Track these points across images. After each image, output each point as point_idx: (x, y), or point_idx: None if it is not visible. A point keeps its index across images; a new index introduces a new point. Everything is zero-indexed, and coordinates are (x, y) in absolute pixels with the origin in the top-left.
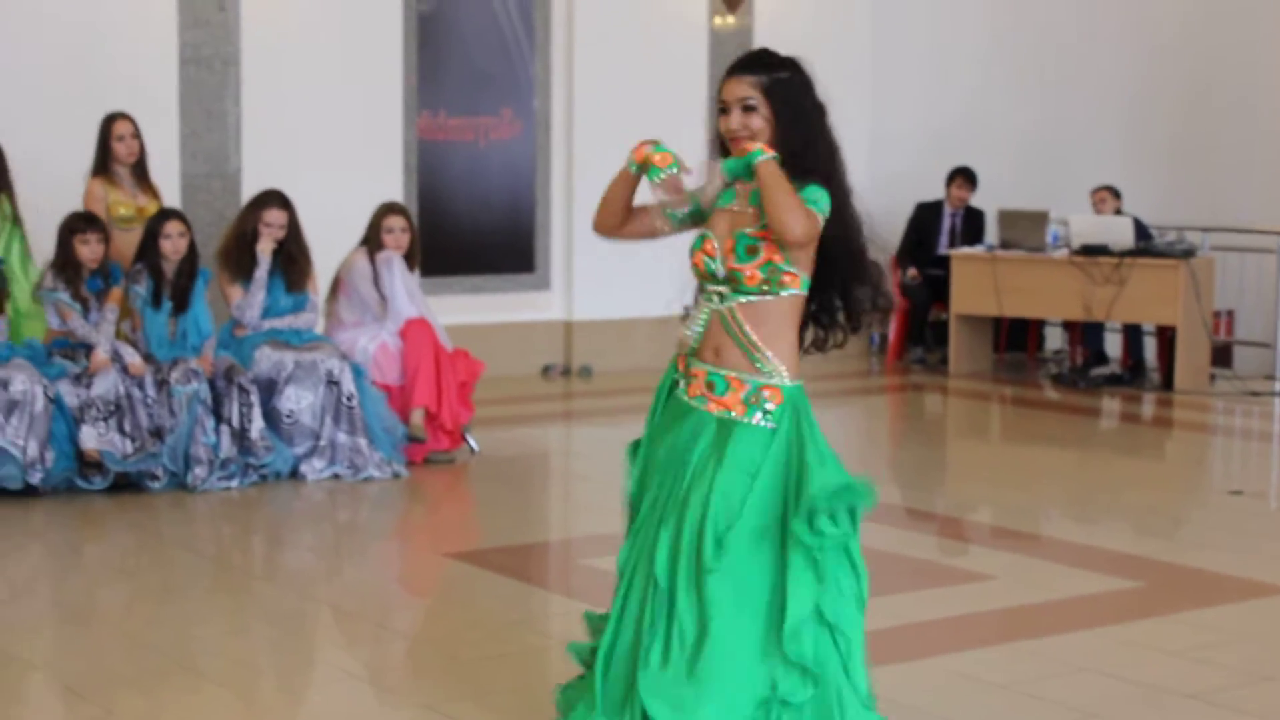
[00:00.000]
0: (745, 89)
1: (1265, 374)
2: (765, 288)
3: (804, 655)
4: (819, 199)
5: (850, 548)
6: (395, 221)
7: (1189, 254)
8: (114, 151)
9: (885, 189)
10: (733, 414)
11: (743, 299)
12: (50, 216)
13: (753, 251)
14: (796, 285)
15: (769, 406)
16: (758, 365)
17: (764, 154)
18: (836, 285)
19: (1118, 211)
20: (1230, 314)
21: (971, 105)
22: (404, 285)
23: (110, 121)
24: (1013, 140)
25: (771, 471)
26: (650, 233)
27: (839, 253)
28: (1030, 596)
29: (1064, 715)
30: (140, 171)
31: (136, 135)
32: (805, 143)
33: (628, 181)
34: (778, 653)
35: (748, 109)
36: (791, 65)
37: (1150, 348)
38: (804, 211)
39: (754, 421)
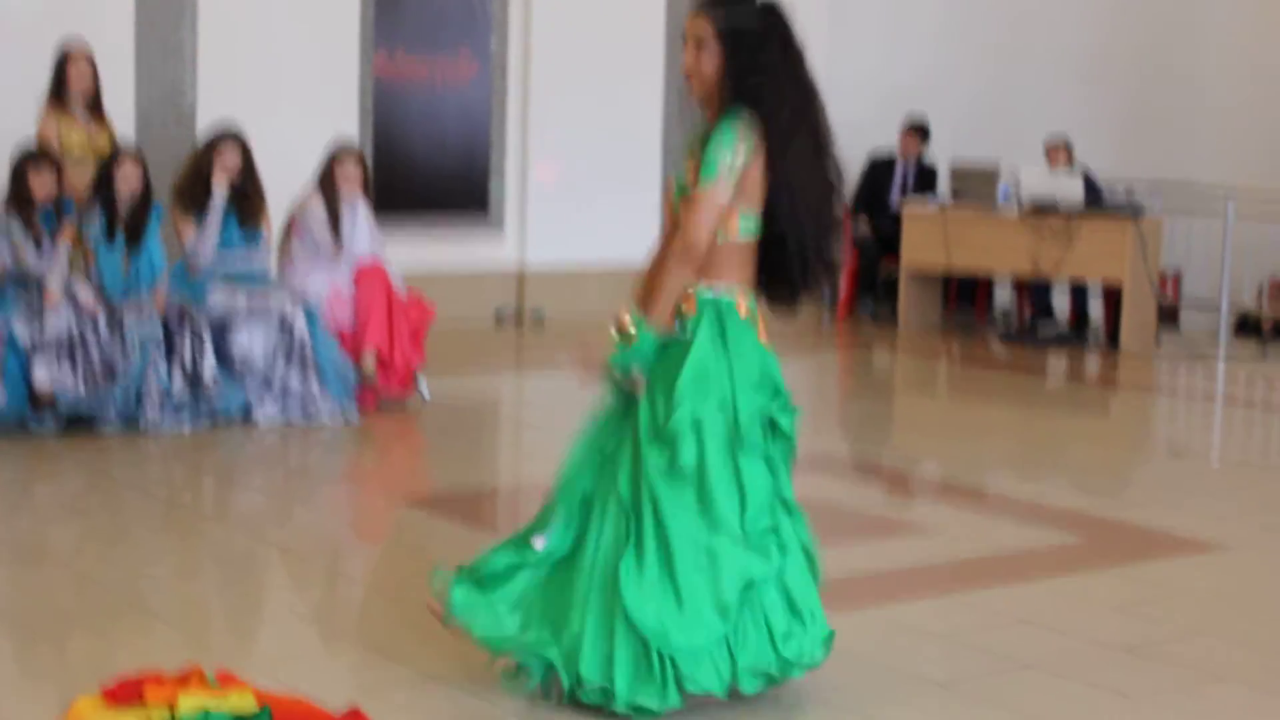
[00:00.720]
0: (701, 27)
1: (1210, 334)
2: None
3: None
4: (710, 162)
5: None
6: (348, 162)
7: (1138, 213)
8: (68, 82)
9: (840, 139)
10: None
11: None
12: (2, 149)
13: (686, 200)
14: (735, 230)
15: (684, 311)
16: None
17: (636, 340)
18: (782, 236)
19: (1069, 164)
20: (1177, 276)
21: (929, 56)
22: (364, 228)
23: (65, 53)
24: (968, 93)
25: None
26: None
27: (782, 199)
28: (973, 550)
29: (1004, 665)
30: (94, 104)
31: (91, 64)
32: (752, 90)
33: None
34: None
35: (700, 47)
36: (757, 10)
37: (1097, 308)
38: (681, 252)
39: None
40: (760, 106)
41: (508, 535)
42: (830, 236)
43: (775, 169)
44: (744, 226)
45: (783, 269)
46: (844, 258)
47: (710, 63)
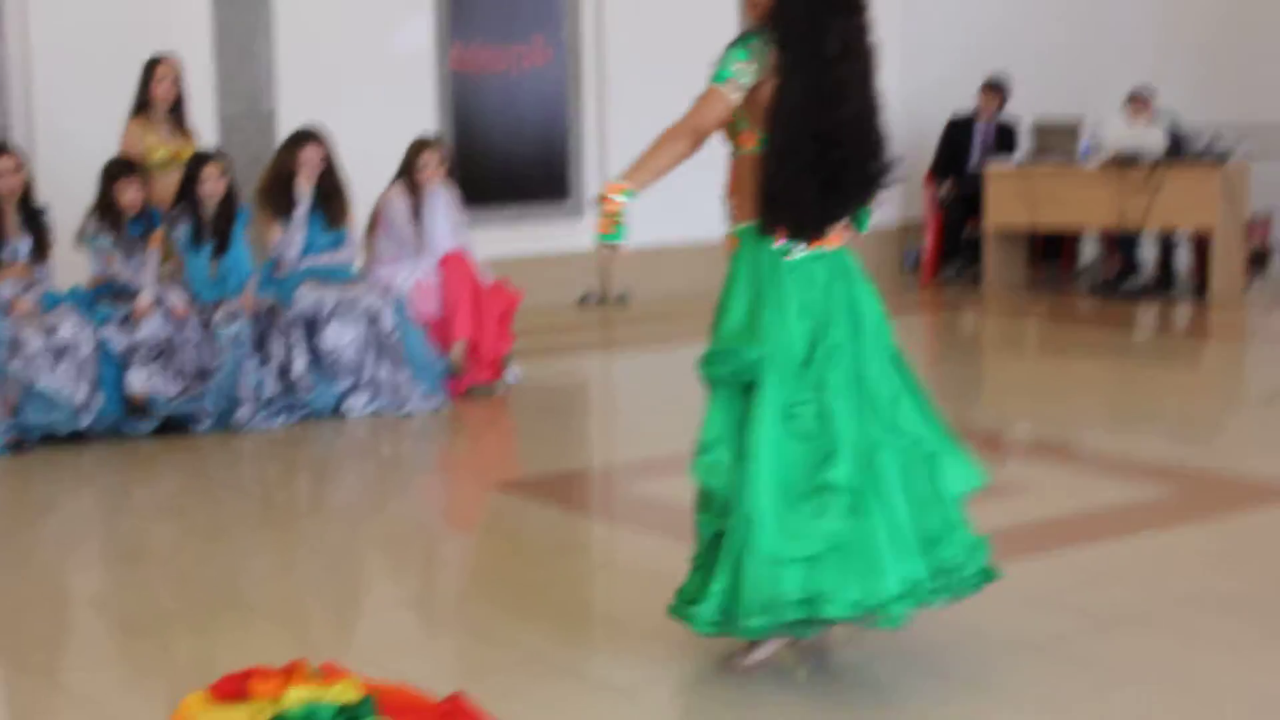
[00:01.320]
0: None
1: None
2: (732, 147)
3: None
4: (723, 67)
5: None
6: (430, 156)
7: (1223, 159)
8: (153, 93)
9: (918, 99)
10: None
11: (731, 152)
12: (89, 162)
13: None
14: (751, 144)
15: (729, 251)
16: (728, 214)
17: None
18: (787, 155)
19: (1150, 115)
20: (1268, 220)
21: (1003, 13)
22: (446, 219)
23: (153, 64)
24: (1046, 45)
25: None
26: (729, 115)
27: (790, 115)
28: (1066, 508)
29: (1099, 624)
30: (177, 115)
31: (177, 79)
32: (779, 13)
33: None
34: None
35: None
36: None
37: (1185, 256)
38: (678, 130)
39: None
40: (791, 30)
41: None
42: (874, 154)
43: (793, 80)
44: (761, 139)
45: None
46: (926, 209)
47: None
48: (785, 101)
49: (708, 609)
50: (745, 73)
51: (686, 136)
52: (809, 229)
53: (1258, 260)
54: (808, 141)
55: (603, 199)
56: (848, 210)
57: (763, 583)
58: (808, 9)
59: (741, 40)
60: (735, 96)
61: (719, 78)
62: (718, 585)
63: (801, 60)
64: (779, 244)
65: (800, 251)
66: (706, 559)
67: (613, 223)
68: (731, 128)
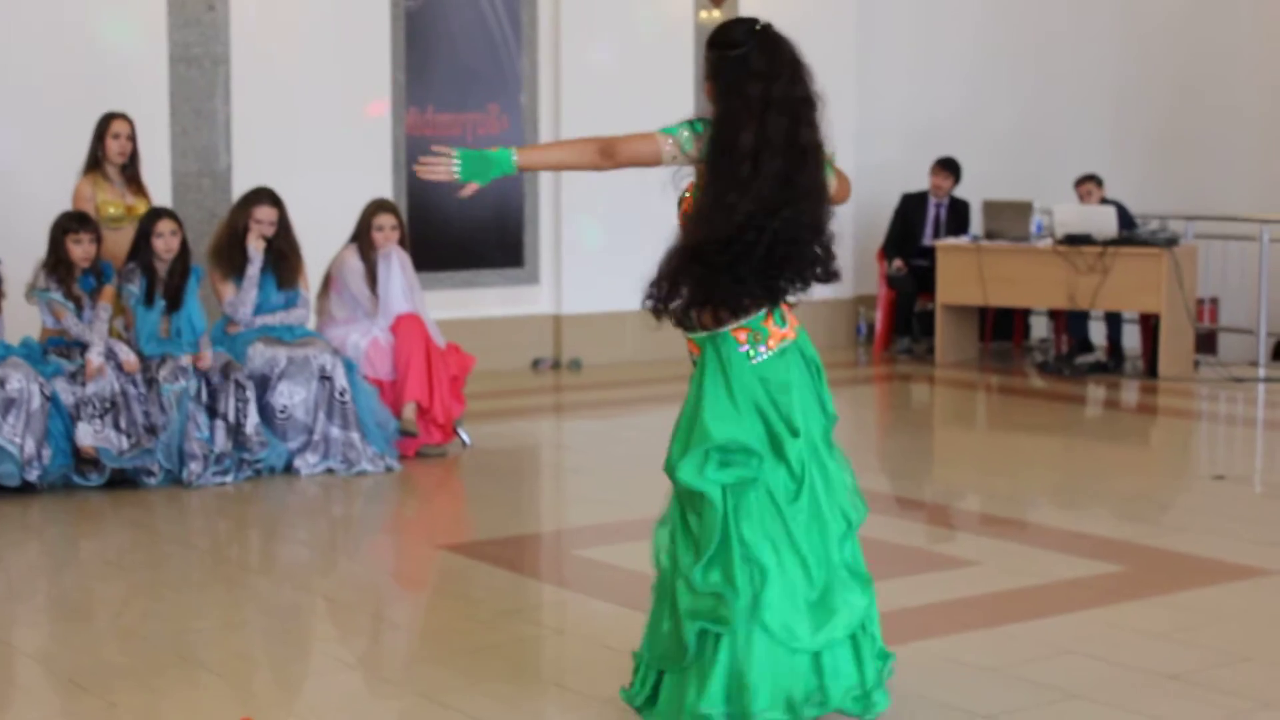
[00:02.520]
0: (706, 59)
1: (1249, 360)
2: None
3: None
4: (675, 126)
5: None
6: (385, 219)
7: (1172, 242)
8: (106, 150)
9: (871, 180)
10: None
11: None
12: (41, 215)
13: (680, 205)
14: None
15: (691, 355)
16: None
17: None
18: (695, 249)
19: (1102, 201)
20: (1214, 301)
21: (957, 97)
22: (401, 280)
23: (107, 120)
24: (998, 132)
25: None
26: (652, 161)
27: (701, 211)
28: (1016, 581)
29: (1049, 696)
30: (131, 172)
31: (131, 136)
32: (718, 109)
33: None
34: None
35: (706, 77)
36: (738, 41)
37: (1134, 335)
38: (594, 142)
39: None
40: (721, 128)
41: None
42: (795, 230)
43: (708, 179)
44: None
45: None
46: (878, 292)
47: (708, 87)
48: (702, 193)
49: None
50: (689, 142)
51: (598, 149)
52: (685, 319)
53: (1205, 341)
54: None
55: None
56: (749, 302)
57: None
58: (727, 105)
59: (699, 119)
60: (667, 150)
61: (666, 129)
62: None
63: (717, 164)
64: (745, 349)
65: (762, 353)
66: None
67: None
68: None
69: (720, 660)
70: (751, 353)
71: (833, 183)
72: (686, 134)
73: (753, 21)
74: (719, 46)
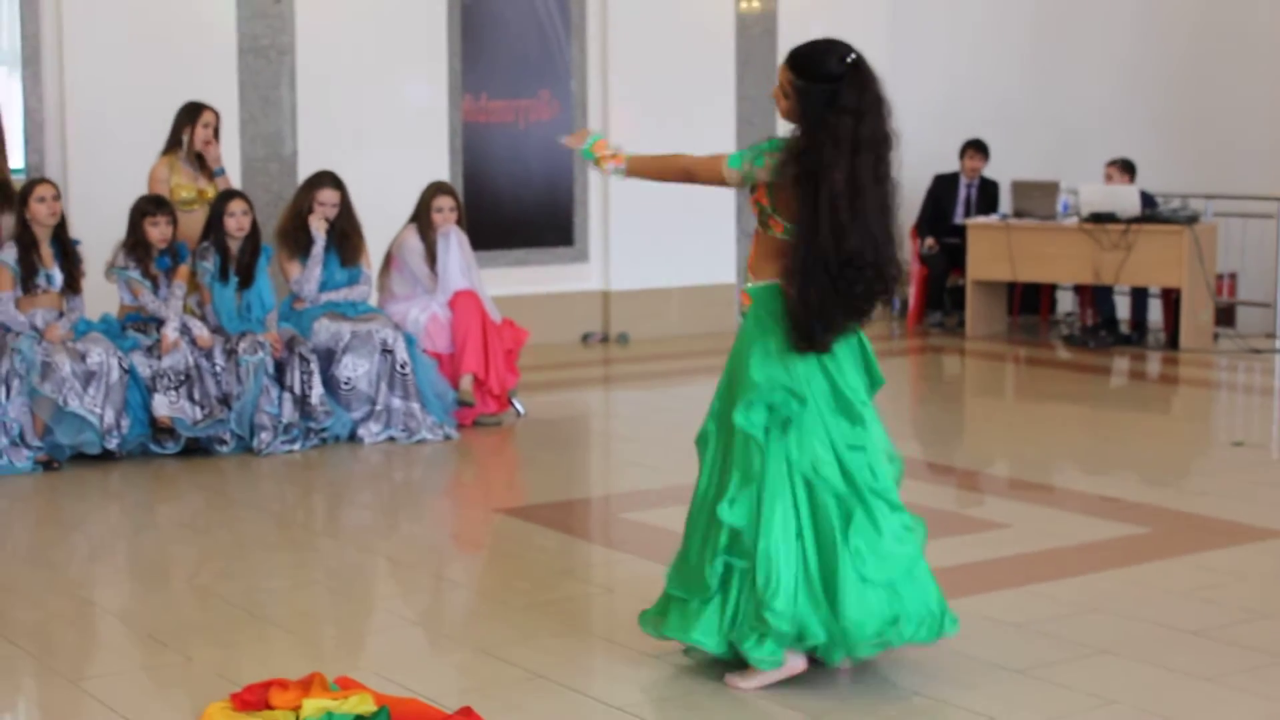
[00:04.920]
0: (782, 76)
1: (1266, 332)
2: (761, 224)
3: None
4: (745, 153)
5: (750, 443)
6: (444, 200)
7: (1192, 220)
8: (195, 136)
9: (903, 161)
10: None
11: (759, 227)
12: (114, 200)
13: (753, 192)
14: (780, 231)
15: (743, 308)
16: (748, 281)
17: (608, 157)
18: (800, 271)
19: (1130, 183)
20: (1233, 276)
21: (986, 81)
22: (459, 259)
23: (199, 109)
24: (1026, 115)
25: (731, 360)
26: (718, 184)
27: (804, 244)
28: (1044, 543)
29: (1077, 651)
30: (202, 158)
31: (216, 128)
32: (806, 140)
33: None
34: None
35: (783, 94)
36: (830, 75)
37: (1156, 310)
38: (679, 165)
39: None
40: (811, 157)
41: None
42: (883, 260)
43: (801, 210)
44: (787, 228)
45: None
46: (909, 272)
47: (786, 108)
48: (802, 234)
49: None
50: (752, 174)
51: (681, 171)
52: (819, 345)
53: (1224, 314)
54: (820, 273)
55: (604, 155)
56: (851, 324)
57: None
58: (814, 140)
59: (776, 141)
60: (732, 179)
61: (734, 160)
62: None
63: (816, 198)
64: None
65: None
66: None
67: (598, 152)
68: (762, 211)
69: (730, 595)
70: None
71: None
72: (750, 166)
73: (845, 50)
74: (808, 76)
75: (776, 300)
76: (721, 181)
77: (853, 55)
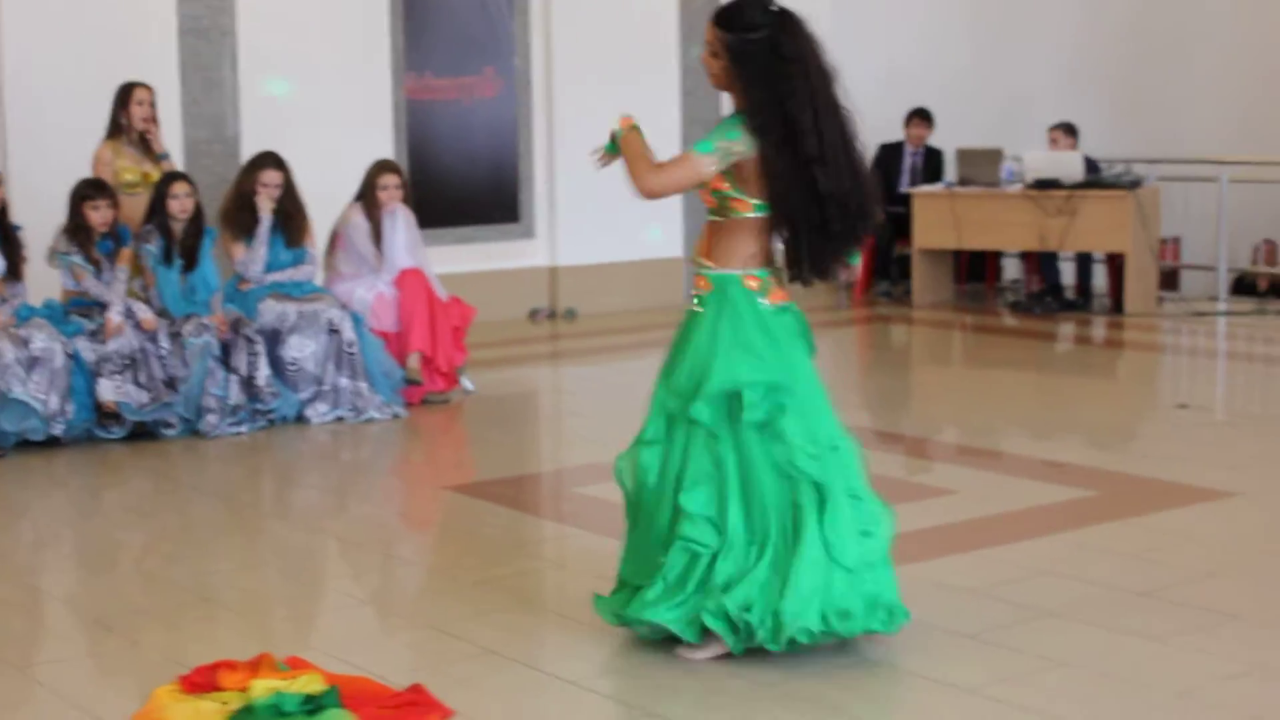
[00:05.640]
0: (711, 35)
1: (1209, 295)
2: (718, 211)
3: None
4: (712, 138)
5: (713, 440)
6: (389, 179)
7: (1135, 185)
8: (130, 116)
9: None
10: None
11: (710, 217)
12: (57, 183)
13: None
14: (747, 209)
15: (699, 292)
16: (702, 269)
17: (621, 130)
18: (792, 225)
19: (1072, 148)
20: (1176, 240)
21: (928, 49)
22: (405, 237)
23: (130, 88)
24: (970, 83)
25: (691, 350)
26: (696, 185)
27: (784, 195)
28: (993, 508)
29: (1028, 614)
30: (145, 140)
31: (153, 104)
32: (755, 97)
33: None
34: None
35: (712, 54)
36: (759, 25)
37: (1101, 275)
38: (647, 172)
39: (691, 306)
40: (756, 117)
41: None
42: (861, 206)
43: (779, 166)
44: (757, 205)
45: (798, 248)
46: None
47: (720, 67)
48: (777, 180)
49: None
50: (731, 152)
51: (650, 186)
52: (816, 275)
53: (1168, 278)
54: (808, 205)
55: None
56: (841, 254)
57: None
58: (771, 94)
59: (733, 119)
60: (710, 170)
61: (704, 147)
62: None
63: (778, 143)
64: (754, 291)
65: (766, 303)
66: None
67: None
68: (722, 198)
69: (693, 578)
70: (760, 298)
71: None
72: (725, 144)
73: (767, 1)
74: (737, 29)
75: (739, 288)
76: (698, 179)
77: (775, 4)
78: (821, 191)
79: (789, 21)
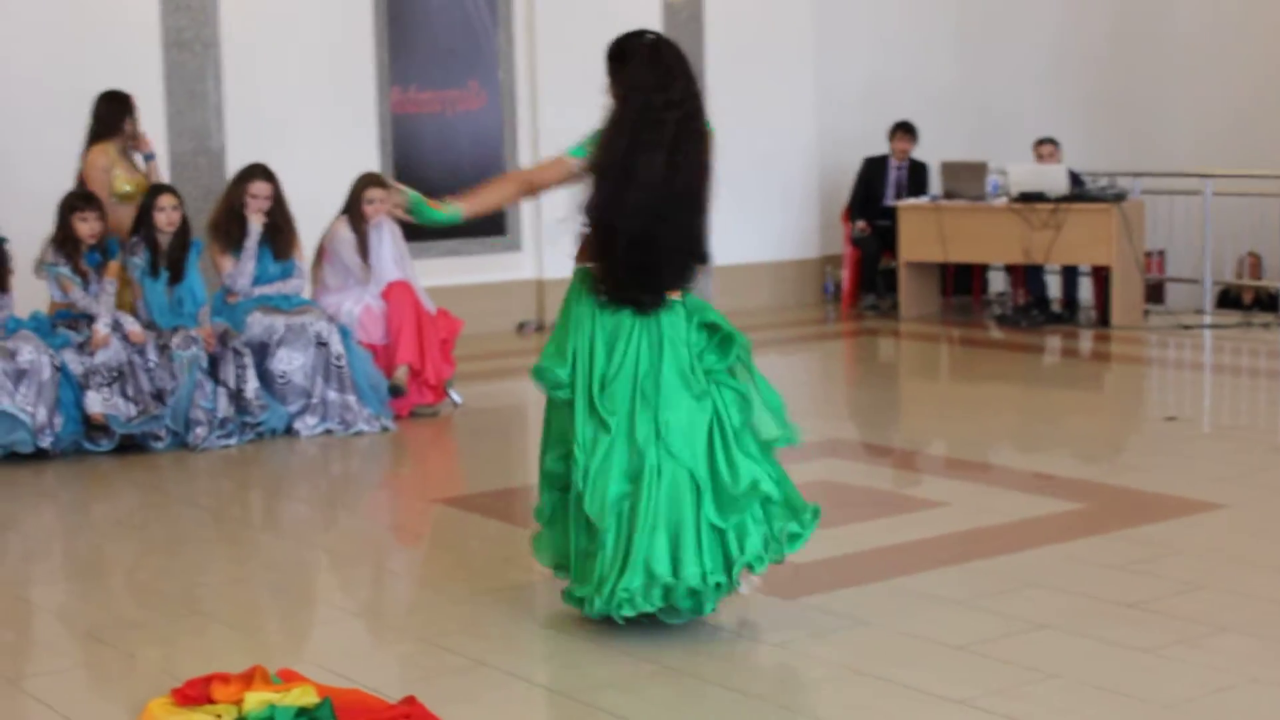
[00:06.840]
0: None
1: (1195, 308)
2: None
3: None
4: (580, 146)
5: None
6: (375, 191)
7: (1120, 198)
8: (124, 127)
9: (832, 145)
10: None
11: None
12: (40, 195)
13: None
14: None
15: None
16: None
17: (459, 210)
18: (595, 246)
19: (1057, 161)
20: (1161, 253)
21: (912, 62)
22: (392, 249)
23: (124, 98)
24: (953, 96)
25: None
26: (569, 182)
27: (591, 217)
28: (982, 520)
29: (1017, 626)
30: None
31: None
32: (605, 124)
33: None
34: None
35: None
36: (622, 55)
37: (1087, 288)
38: (513, 180)
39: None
40: (596, 139)
41: None
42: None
43: (590, 191)
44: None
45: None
46: (845, 254)
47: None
48: (587, 202)
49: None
50: (584, 161)
51: (519, 185)
52: (617, 299)
53: (1153, 291)
54: (604, 234)
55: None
56: (651, 287)
57: None
58: (607, 122)
59: (594, 134)
60: (577, 170)
61: (574, 151)
62: None
63: (594, 168)
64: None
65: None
66: None
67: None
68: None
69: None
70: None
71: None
72: (586, 155)
73: (647, 34)
74: (610, 58)
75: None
76: (568, 177)
77: (651, 37)
78: (617, 227)
79: (654, 52)
